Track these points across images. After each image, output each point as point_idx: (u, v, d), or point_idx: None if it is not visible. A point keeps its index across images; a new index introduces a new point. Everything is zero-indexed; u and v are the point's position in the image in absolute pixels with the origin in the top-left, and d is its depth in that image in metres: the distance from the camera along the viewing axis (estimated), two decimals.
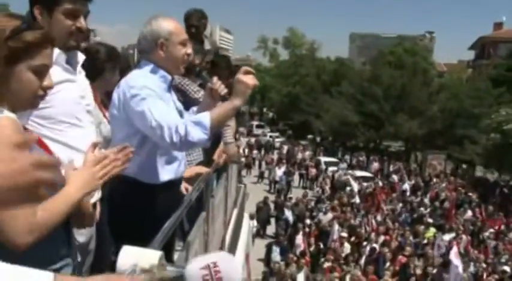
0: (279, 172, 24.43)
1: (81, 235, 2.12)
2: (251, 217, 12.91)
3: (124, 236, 1.46)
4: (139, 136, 2.35)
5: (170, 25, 2.41)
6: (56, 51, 1.96)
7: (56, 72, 1.83)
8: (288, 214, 16.38)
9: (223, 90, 2.54)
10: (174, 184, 2.59)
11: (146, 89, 2.27)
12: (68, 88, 1.99)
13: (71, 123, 1.99)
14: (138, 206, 2.38)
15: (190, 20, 4.46)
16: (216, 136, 2.80)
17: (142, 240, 1.35)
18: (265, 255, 13.21)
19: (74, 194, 1.44)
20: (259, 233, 16.75)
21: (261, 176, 27.30)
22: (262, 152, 33.37)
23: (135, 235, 1.48)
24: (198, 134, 2.19)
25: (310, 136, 44.90)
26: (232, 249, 4.93)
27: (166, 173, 2.48)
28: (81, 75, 2.17)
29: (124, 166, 1.71)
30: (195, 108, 2.73)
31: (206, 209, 3.00)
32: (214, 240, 3.65)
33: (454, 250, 11.42)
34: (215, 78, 2.62)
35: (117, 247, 1.15)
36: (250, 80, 2.26)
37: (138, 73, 2.42)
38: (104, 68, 2.70)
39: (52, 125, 1.92)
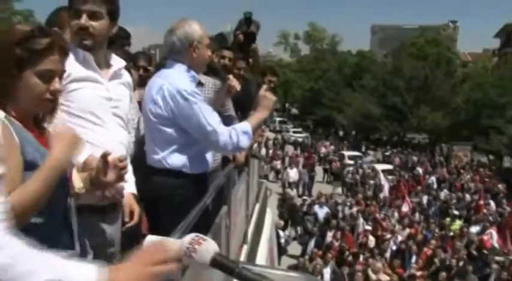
0: (292, 172, 22.53)
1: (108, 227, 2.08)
2: (278, 227, 12.67)
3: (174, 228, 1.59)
4: (188, 135, 2.58)
5: (201, 29, 2.66)
6: (77, 49, 2.05)
7: (76, 69, 1.97)
8: (318, 210, 16.11)
9: (238, 86, 2.97)
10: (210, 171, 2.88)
11: (196, 95, 2.53)
12: (89, 87, 2.04)
13: (89, 121, 2.03)
14: (187, 196, 2.55)
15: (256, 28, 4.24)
16: None
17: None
18: (301, 251, 13.37)
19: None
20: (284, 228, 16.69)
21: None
22: (286, 149, 33.23)
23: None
24: (245, 142, 2.63)
25: (333, 130, 44.75)
26: (254, 243, 5.06)
27: (207, 162, 2.77)
28: (117, 81, 2.19)
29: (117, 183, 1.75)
30: None
31: (227, 203, 3.13)
32: (236, 234, 3.79)
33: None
34: (231, 76, 3.04)
35: None
36: (272, 95, 2.75)
37: (177, 75, 2.60)
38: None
39: (73, 119, 1.98)
